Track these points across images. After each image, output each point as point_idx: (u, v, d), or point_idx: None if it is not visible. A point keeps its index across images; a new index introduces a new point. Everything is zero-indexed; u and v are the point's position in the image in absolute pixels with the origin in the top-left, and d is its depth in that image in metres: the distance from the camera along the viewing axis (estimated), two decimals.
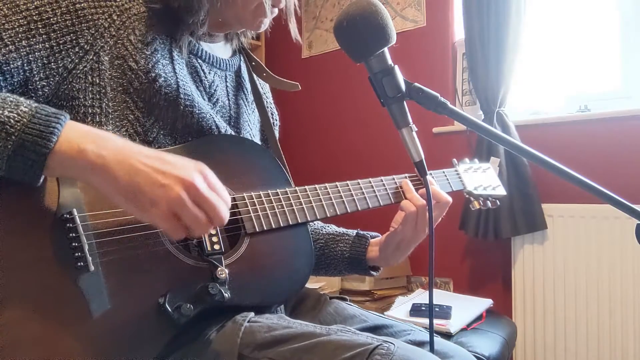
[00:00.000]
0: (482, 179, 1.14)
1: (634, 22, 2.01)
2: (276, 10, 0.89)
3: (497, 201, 1.14)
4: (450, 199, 0.95)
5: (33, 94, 0.72)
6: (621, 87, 2.05)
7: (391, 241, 0.96)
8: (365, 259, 1.01)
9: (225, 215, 0.65)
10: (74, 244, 0.64)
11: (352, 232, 1.05)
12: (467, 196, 1.11)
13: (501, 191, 1.15)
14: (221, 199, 0.65)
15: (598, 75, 2.13)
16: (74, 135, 0.62)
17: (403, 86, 0.74)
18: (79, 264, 0.64)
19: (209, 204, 0.63)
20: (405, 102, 0.76)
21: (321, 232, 1.07)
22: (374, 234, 1.04)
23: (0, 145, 0.59)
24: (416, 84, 0.75)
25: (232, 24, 0.91)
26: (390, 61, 0.74)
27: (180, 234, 0.63)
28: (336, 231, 1.07)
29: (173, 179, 0.62)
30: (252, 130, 0.98)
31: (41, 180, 0.63)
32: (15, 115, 0.60)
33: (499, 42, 2.08)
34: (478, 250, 2.31)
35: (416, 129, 0.77)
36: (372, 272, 1.02)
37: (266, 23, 0.89)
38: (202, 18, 0.83)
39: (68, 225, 0.65)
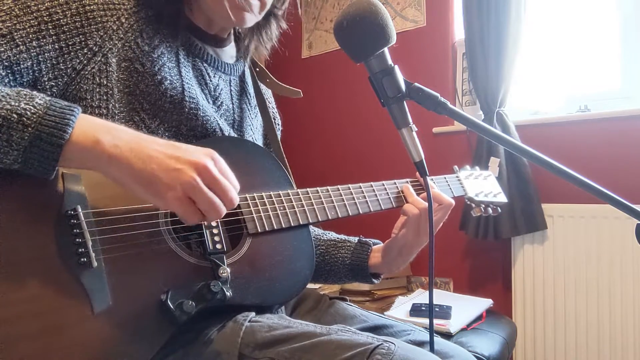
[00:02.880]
0: (484, 185, 1.14)
1: (634, 22, 2.01)
2: (257, 3, 0.84)
3: (499, 208, 1.14)
4: (452, 202, 0.95)
5: None
6: (621, 87, 2.06)
7: (394, 246, 0.96)
8: (367, 266, 1.00)
9: (236, 199, 0.67)
10: (77, 239, 0.65)
11: (354, 238, 1.05)
12: (468, 202, 1.12)
13: (502, 198, 1.15)
14: (230, 182, 0.67)
15: (598, 75, 2.13)
16: (89, 126, 0.63)
17: (403, 86, 0.74)
18: (82, 259, 0.64)
19: (220, 186, 0.65)
20: (405, 102, 0.76)
21: (321, 238, 1.06)
22: (375, 240, 1.04)
23: (17, 137, 0.60)
24: (416, 84, 0.75)
25: (215, 20, 0.87)
26: (390, 61, 0.74)
27: (196, 218, 0.64)
28: (337, 238, 1.06)
29: (186, 162, 0.63)
30: (254, 135, 0.99)
31: (55, 172, 0.63)
32: (31, 108, 0.61)
33: (499, 42, 2.08)
34: (478, 251, 2.31)
35: (416, 129, 0.77)
36: (374, 280, 1.01)
37: (246, 18, 0.84)
38: (177, 8, 0.82)
39: (72, 221, 0.65)
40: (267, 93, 1.07)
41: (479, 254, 2.31)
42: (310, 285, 0.89)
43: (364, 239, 1.03)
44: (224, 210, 0.65)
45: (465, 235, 2.24)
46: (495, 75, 2.09)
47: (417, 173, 0.87)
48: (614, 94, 2.06)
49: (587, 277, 1.91)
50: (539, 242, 2.04)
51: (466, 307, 1.84)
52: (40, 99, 0.63)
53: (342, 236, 1.07)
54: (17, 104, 0.61)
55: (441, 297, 2.02)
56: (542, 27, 2.25)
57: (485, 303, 1.90)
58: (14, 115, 0.60)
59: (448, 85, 2.42)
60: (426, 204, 0.92)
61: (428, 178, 0.89)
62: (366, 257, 1.00)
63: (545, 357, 2.02)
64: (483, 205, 1.12)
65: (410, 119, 0.77)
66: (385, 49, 0.74)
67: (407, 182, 1.00)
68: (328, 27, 2.89)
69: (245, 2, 0.82)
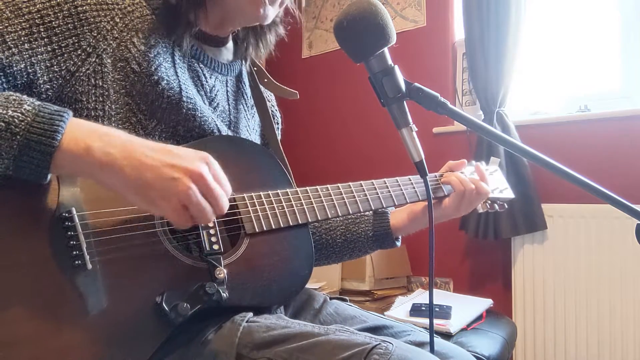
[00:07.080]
0: (490, 182, 1.11)
1: (634, 22, 2.01)
2: None
3: (505, 204, 1.12)
4: (488, 190, 1.02)
5: (36, 97, 0.71)
6: (621, 87, 2.05)
7: (422, 213, 1.02)
8: (391, 232, 1.03)
9: (226, 206, 0.67)
10: (72, 242, 0.64)
11: (368, 212, 1.07)
12: None
13: (509, 194, 1.13)
14: (223, 189, 0.67)
15: (598, 75, 2.13)
16: (80, 132, 0.62)
17: (403, 86, 0.74)
18: (76, 262, 0.64)
19: (213, 194, 0.65)
20: (405, 102, 0.76)
21: (336, 220, 1.07)
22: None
23: (6, 145, 0.59)
24: (416, 84, 0.74)
25: (233, 18, 0.88)
26: (390, 61, 0.74)
27: (187, 224, 0.65)
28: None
29: (182, 171, 0.63)
30: (251, 135, 0.98)
31: (48, 178, 0.63)
32: (19, 115, 0.60)
33: (499, 42, 2.07)
34: (478, 250, 2.31)
35: (416, 129, 0.77)
36: (397, 243, 1.06)
37: (269, 13, 0.86)
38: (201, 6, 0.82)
39: (67, 223, 0.65)
40: (267, 91, 1.07)
41: (479, 254, 2.31)
42: (310, 285, 0.89)
43: (378, 210, 1.06)
44: (212, 218, 0.66)
45: (465, 235, 2.24)
46: (495, 75, 2.09)
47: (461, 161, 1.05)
48: (614, 94, 2.06)
49: (587, 277, 1.91)
50: (539, 242, 2.04)
51: (466, 307, 1.84)
52: (28, 105, 0.62)
53: None
54: (4, 111, 0.60)
55: (441, 297, 2.01)
56: (542, 27, 2.25)
57: (485, 303, 1.90)
58: (2, 124, 0.59)
59: (448, 85, 2.42)
60: (472, 185, 0.99)
61: (477, 163, 1.07)
62: (388, 225, 1.04)
63: (545, 357, 2.01)
64: (489, 202, 1.10)
65: (410, 119, 0.76)
66: (385, 49, 0.73)
67: (408, 178, 1.00)
68: (328, 27, 2.89)
69: None
